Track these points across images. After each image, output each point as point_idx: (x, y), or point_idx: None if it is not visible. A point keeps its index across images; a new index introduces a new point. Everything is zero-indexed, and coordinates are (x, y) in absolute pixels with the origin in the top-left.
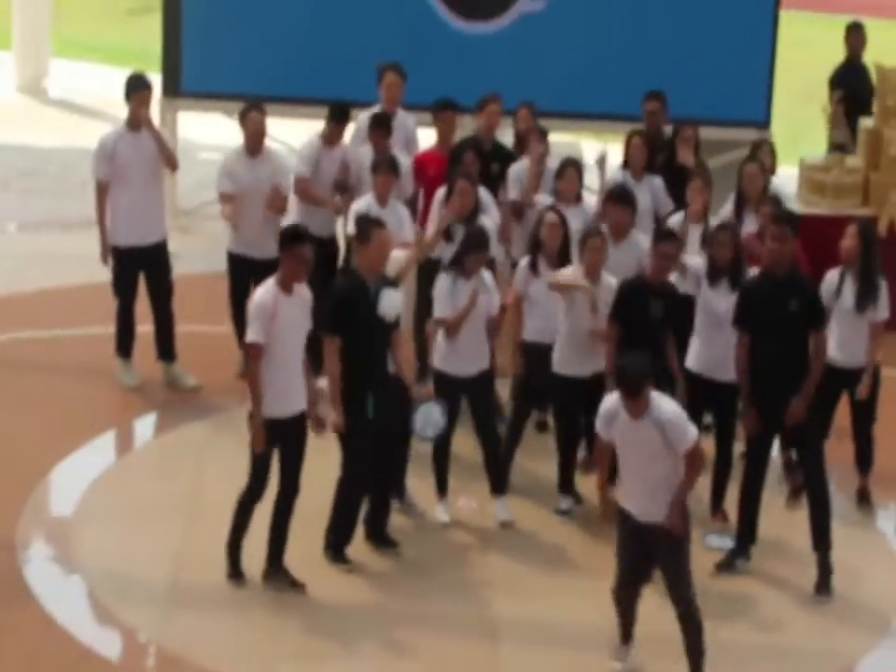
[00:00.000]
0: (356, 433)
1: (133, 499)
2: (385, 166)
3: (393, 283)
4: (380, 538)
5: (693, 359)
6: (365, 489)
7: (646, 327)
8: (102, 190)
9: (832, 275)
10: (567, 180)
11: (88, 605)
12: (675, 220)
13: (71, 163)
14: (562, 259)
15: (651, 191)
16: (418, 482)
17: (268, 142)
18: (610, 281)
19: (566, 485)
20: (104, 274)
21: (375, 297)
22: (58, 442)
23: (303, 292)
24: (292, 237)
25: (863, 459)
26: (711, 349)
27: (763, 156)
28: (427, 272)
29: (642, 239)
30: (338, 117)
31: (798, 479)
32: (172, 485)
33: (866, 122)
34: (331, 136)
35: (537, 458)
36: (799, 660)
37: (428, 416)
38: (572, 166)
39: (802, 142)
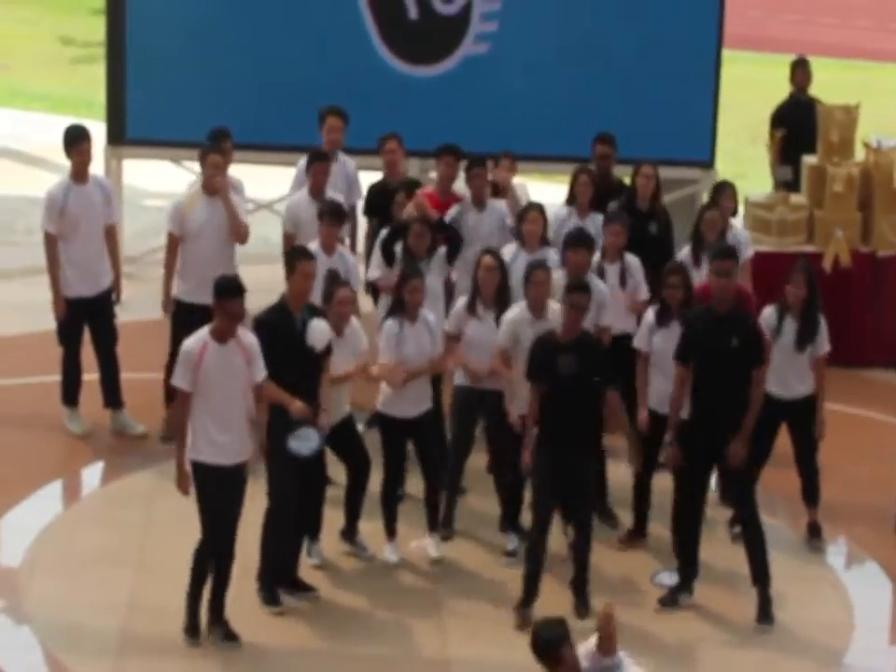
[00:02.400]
0: (279, 462)
1: (82, 549)
2: (328, 216)
3: (321, 313)
4: (293, 583)
5: (652, 398)
6: (288, 521)
7: (560, 383)
8: (51, 243)
9: (769, 312)
10: (530, 222)
11: (40, 657)
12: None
13: (17, 211)
14: (499, 301)
15: (594, 229)
16: (368, 525)
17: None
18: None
19: (510, 522)
20: (44, 323)
21: (302, 327)
22: (4, 492)
23: (246, 340)
24: (223, 290)
25: (810, 493)
26: (662, 387)
27: (724, 200)
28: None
29: (597, 283)
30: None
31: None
32: (120, 534)
33: (809, 160)
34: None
35: (489, 498)
36: None
37: (306, 437)
38: (536, 209)
39: (746, 180)
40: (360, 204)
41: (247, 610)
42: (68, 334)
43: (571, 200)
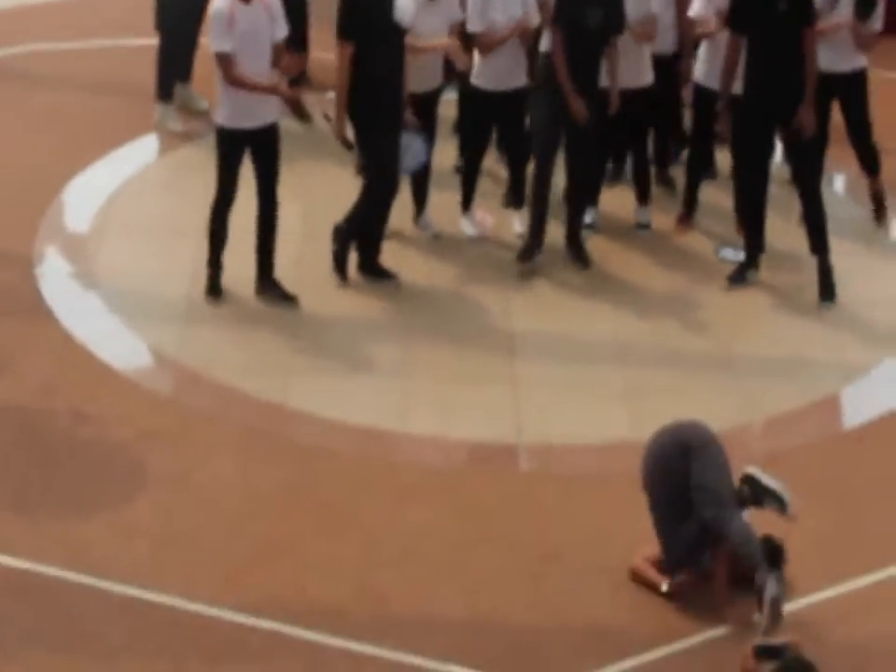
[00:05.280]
0: (374, 139)
1: (148, 216)
2: None
3: None
4: (373, 269)
5: (702, 71)
6: (390, 192)
7: (584, 36)
8: None
9: None
10: None
11: (106, 322)
12: None
13: None
14: None
15: None
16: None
17: None
18: None
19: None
20: None
21: (390, 2)
22: (71, 158)
23: None
24: None
25: (868, 163)
26: (713, 61)
27: None
28: None
29: None
30: None
31: None
32: (186, 202)
33: None
34: None
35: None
36: (810, 372)
37: (408, 147)
38: None
39: None
40: None
41: (310, 280)
42: (169, 16)
43: None
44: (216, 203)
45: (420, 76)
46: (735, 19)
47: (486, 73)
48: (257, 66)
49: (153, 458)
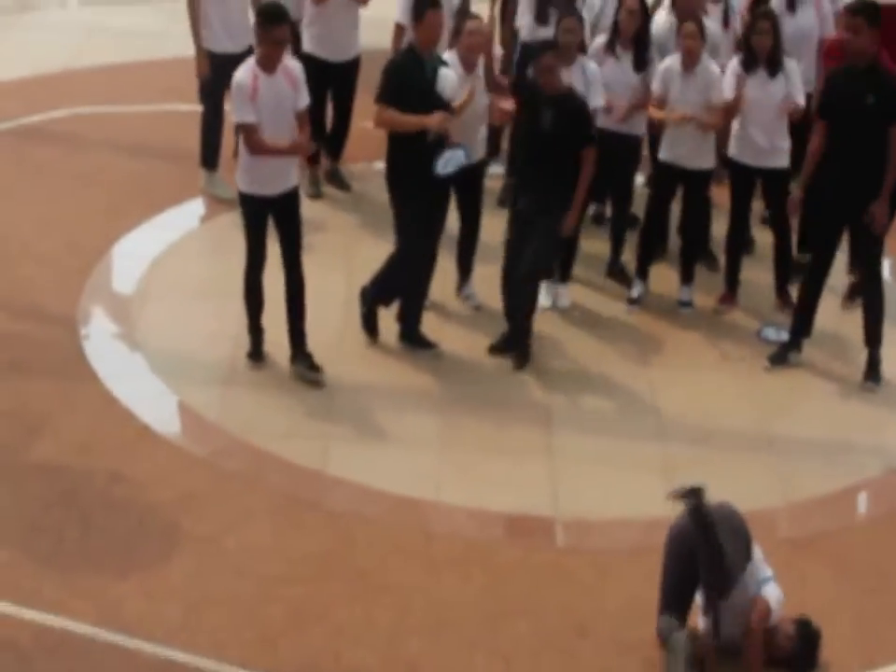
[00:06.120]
0: (410, 205)
1: (193, 278)
2: None
3: (446, 64)
4: (414, 338)
5: (736, 148)
6: (422, 262)
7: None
8: None
9: None
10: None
11: (148, 383)
12: None
13: None
14: (637, 42)
15: None
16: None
17: None
18: (711, 68)
19: (640, 272)
20: (161, 51)
21: (433, 73)
22: (117, 220)
23: (290, 67)
24: (267, 17)
25: None
26: (756, 137)
27: None
28: None
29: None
30: None
31: (857, 277)
32: (230, 266)
33: None
34: None
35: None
36: (849, 456)
37: (450, 156)
38: None
39: None
40: None
41: (351, 346)
42: (211, 91)
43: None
44: (247, 268)
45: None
46: (823, 107)
47: None
48: (279, 135)
49: (188, 520)
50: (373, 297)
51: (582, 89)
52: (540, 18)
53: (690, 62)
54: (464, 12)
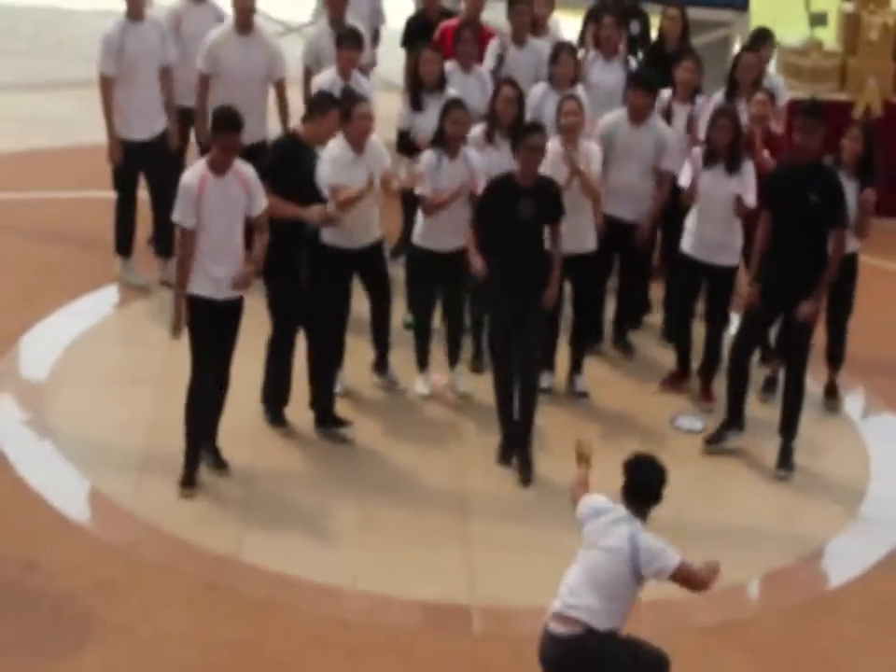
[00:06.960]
0: (283, 294)
1: (107, 365)
2: (348, 41)
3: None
4: (328, 420)
5: (688, 243)
6: (288, 351)
7: (514, 227)
8: (107, 85)
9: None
10: (562, 64)
11: (60, 470)
12: (663, 97)
13: (45, 22)
14: (513, 132)
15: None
16: (399, 357)
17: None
18: (590, 146)
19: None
20: (73, 137)
21: (312, 163)
22: (32, 305)
23: (242, 171)
24: (220, 123)
25: (835, 354)
26: (706, 233)
27: (765, 48)
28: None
29: (661, 124)
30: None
31: (774, 368)
32: (144, 352)
33: (845, 5)
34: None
35: None
36: (764, 544)
37: None
38: (566, 51)
39: (778, 24)
40: (383, 29)
41: (263, 433)
42: (125, 179)
43: (596, 43)
44: (199, 379)
45: (356, 230)
46: (766, 200)
47: (429, 233)
48: (229, 238)
49: (103, 609)
50: (273, 404)
51: (468, 177)
52: (415, 104)
53: (571, 137)
54: (350, 95)
